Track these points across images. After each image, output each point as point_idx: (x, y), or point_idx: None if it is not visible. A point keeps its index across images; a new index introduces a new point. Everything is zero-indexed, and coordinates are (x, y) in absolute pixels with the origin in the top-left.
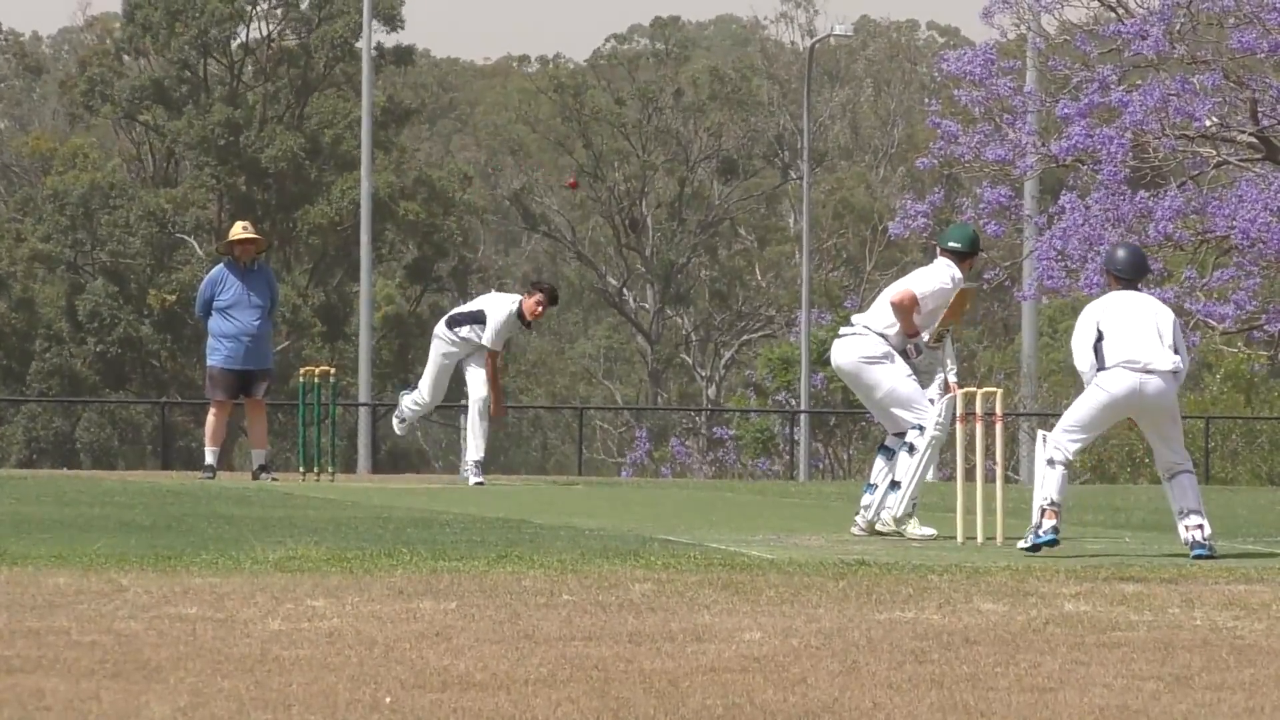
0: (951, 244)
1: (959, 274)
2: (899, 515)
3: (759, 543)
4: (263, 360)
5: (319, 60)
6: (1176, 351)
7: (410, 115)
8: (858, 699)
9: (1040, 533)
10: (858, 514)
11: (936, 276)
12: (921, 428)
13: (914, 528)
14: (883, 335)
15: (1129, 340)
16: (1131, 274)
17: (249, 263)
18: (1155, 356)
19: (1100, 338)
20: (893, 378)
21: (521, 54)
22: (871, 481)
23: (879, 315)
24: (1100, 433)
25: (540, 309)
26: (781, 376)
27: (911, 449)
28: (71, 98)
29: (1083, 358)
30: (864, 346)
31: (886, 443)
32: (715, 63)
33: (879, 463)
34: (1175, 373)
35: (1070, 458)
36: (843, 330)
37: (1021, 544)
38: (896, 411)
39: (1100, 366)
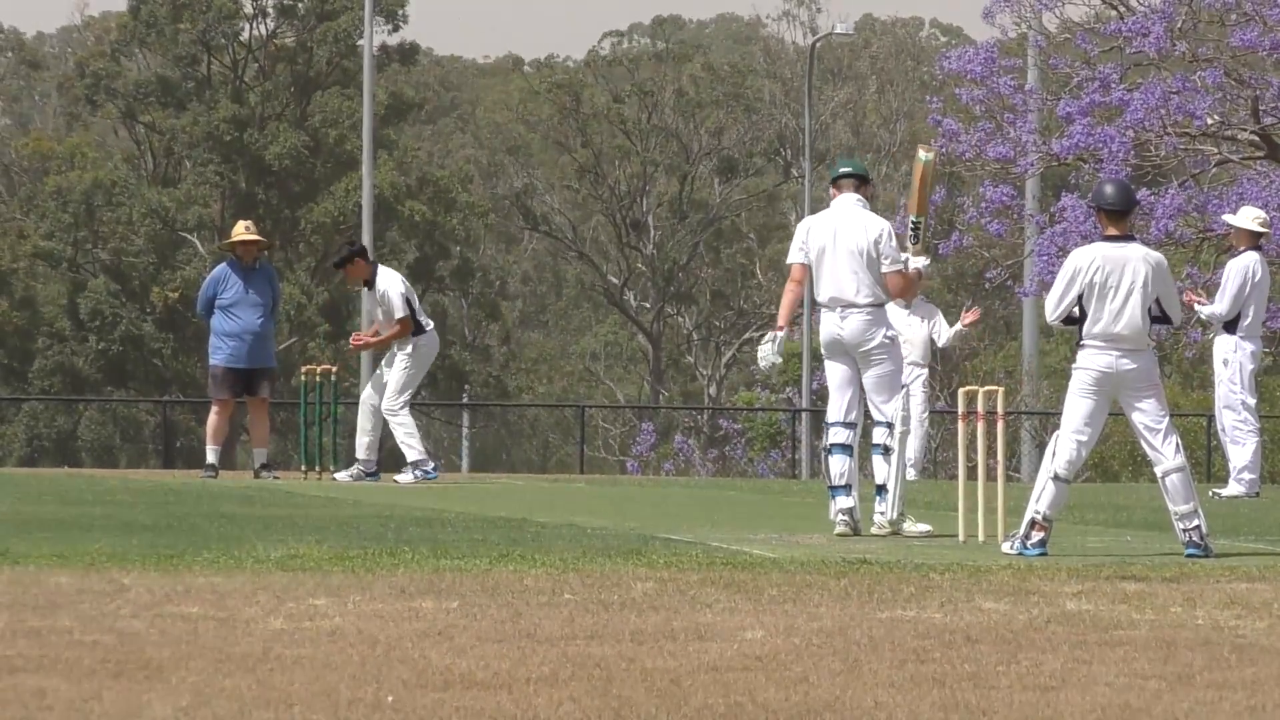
0: (859, 173)
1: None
2: (893, 518)
3: (761, 541)
4: (265, 359)
5: (321, 58)
6: (1164, 310)
7: (410, 110)
8: (859, 698)
9: (1029, 545)
10: (875, 517)
11: (878, 223)
12: (891, 425)
13: (910, 524)
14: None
15: (1109, 314)
16: (1122, 205)
17: (251, 262)
18: (1132, 334)
19: (1082, 300)
20: (898, 363)
21: (519, 55)
22: (880, 483)
23: (875, 288)
24: (1101, 422)
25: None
26: (793, 370)
27: (887, 450)
28: (73, 95)
29: (1056, 310)
30: (884, 323)
31: (884, 442)
32: (713, 60)
33: (878, 464)
34: (1152, 348)
35: (1074, 474)
36: (843, 310)
37: (1005, 547)
38: (880, 396)
39: (1079, 340)
